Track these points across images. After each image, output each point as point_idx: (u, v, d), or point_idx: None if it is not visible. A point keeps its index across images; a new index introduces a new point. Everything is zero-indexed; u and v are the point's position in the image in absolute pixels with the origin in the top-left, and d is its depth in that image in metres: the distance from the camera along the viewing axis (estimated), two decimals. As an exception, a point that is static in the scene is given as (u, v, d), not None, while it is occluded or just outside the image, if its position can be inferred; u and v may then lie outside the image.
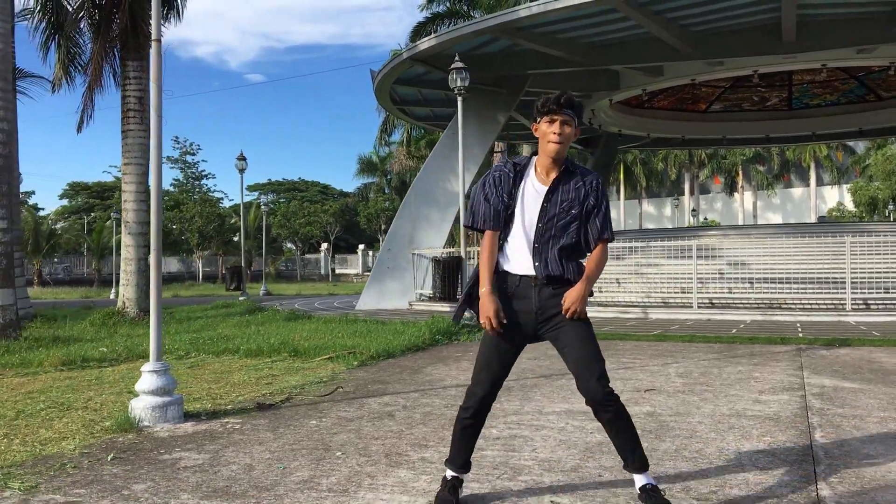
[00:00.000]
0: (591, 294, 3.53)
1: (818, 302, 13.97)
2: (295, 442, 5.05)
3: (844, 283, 13.60)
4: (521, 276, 3.44)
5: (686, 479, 4.12)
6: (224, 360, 9.02)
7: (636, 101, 23.44)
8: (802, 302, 13.72)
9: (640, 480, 3.51)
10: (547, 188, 3.45)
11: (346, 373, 8.00)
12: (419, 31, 32.10)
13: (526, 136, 28.00)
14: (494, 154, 31.62)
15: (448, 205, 18.11)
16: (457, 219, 17.19)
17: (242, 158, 25.36)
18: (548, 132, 3.40)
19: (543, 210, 3.43)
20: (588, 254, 3.54)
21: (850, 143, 55.70)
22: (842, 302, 13.57)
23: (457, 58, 12.77)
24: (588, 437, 5.03)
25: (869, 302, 13.75)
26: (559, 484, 4.04)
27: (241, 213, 28.42)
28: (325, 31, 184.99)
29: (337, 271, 66.72)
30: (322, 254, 67.58)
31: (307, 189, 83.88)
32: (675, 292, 15.35)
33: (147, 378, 5.59)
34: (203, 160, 70.04)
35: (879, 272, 13.93)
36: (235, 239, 56.70)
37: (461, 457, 3.69)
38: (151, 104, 5.64)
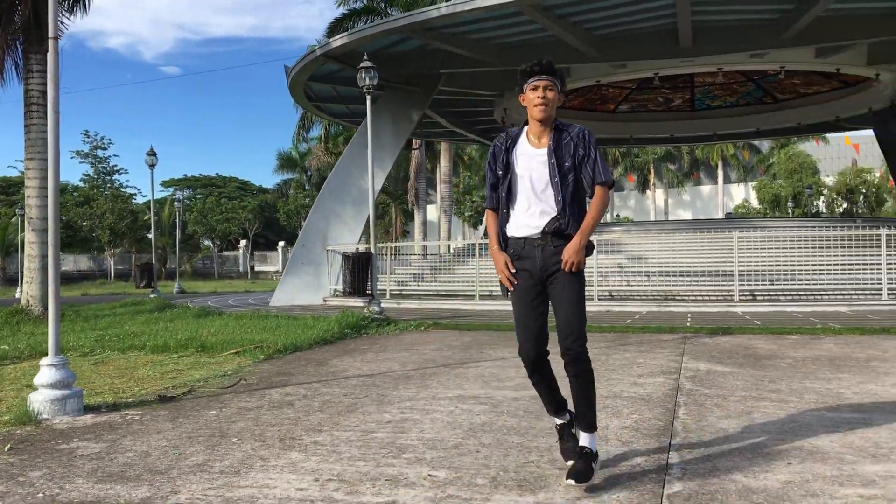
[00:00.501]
0: (593, 247, 3.79)
1: (709, 294, 14.80)
2: (193, 430, 5.24)
3: (733, 275, 14.47)
4: (524, 239, 3.71)
5: (555, 451, 4.50)
6: (129, 357, 9.05)
7: (547, 101, 24.03)
8: (695, 294, 14.50)
9: (582, 440, 3.80)
10: (546, 150, 3.70)
11: (252, 366, 8.17)
12: (336, 28, 32.07)
13: (442, 133, 28.37)
14: (412, 150, 31.96)
15: (362, 201, 18.32)
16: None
17: (153, 153, 24.97)
18: (533, 98, 3.68)
19: (553, 169, 3.67)
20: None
21: (756, 143, 58.22)
22: (730, 293, 14.42)
23: (365, 57, 13.00)
24: (473, 419, 5.38)
25: (755, 293, 14.65)
26: (439, 459, 4.38)
27: (152, 209, 27.94)
28: (243, 23, 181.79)
29: (256, 269, 65.85)
30: (241, 251, 66.59)
31: (225, 185, 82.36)
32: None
33: (45, 372, 5.68)
34: (115, 155, 67.90)
35: (765, 265, 14.86)
36: (149, 236, 55.41)
37: (552, 407, 3.97)
38: (49, 102, 5.72)
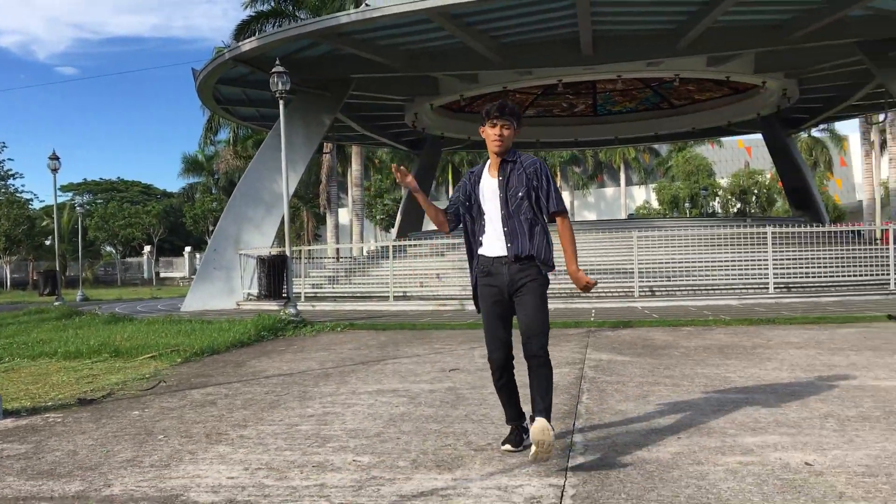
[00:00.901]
0: (590, 283, 4.24)
1: (612, 290, 15.54)
2: (118, 430, 5.36)
3: (633, 273, 15.25)
4: (494, 258, 4.16)
5: (469, 435, 4.86)
6: (41, 364, 8.94)
7: (457, 106, 24.57)
8: (599, 290, 15.19)
9: (538, 419, 4.07)
10: (497, 182, 4.18)
11: (170, 369, 8.23)
12: (243, 29, 31.77)
13: (353, 136, 28.51)
14: (323, 154, 31.95)
15: (274, 205, 18.33)
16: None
17: (55, 157, 24.17)
18: (490, 134, 4.17)
19: (503, 200, 4.15)
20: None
21: (656, 146, 60.50)
22: (631, 290, 15.18)
23: (278, 62, 13.10)
24: (393, 410, 5.68)
25: (654, 289, 15.47)
26: (362, 446, 4.67)
27: (55, 215, 27.03)
28: (144, 22, 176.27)
29: (162, 275, 64.12)
30: (145, 257, 64.73)
31: (127, 189, 79.97)
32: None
33: (-36, 377, 5.67)
34: (9, 159, 65.17)
35: (663, 263, 15.71)
36: (48, 243, 53.25)
37: (512, 411, 4.43)
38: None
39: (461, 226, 4.41)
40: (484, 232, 4.23)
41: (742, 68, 20.19)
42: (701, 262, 16.06)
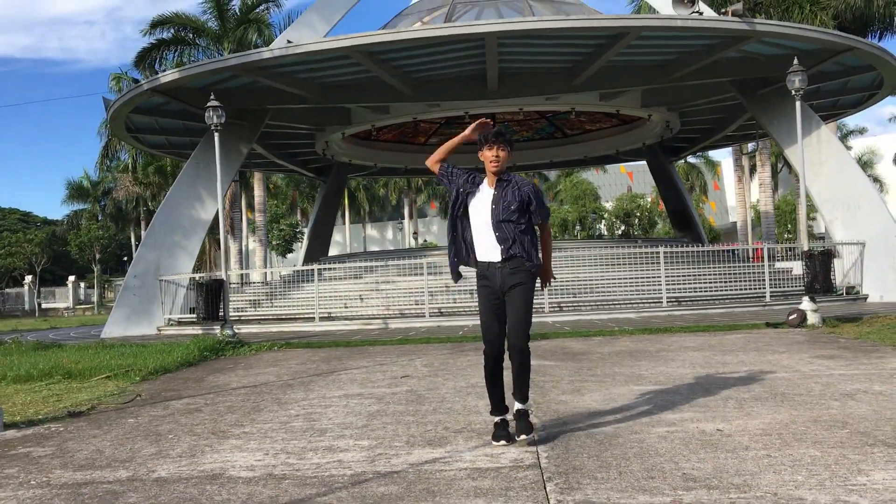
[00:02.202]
0: (553, 278, 5.24)
1: (524, 307, 16.73)
2: (125, 434, 5.99)
3: (543, 290, 16.52)
4: (489, 263, 4.87)
5: (444, 423, 5.80)
6: (-5, 387, 9.15)
7: (365, 134, 25.49)
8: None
9: (517, 405, 4.96)
10: (492, 195, 4.88)
11: (133, 387, 8.72)
12: (144, 57, 31.82)
13: (262, 163, 28.87)
14: (231, 182, 32.15)
15: (193, 232, 18.68)
16: (214, 244, 17.84)
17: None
18: (489, 156, 4.88)
19: (493, 212, 4.85)
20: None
21: (545, 172, 63.11)
22: (541, 306, 16.44)
23: (212, 96, 13.72)
24: (368, 408, 6.55)
25: (562, 305, 16.81)
26: (356, 434, 5.53)
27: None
28: (14, 42, 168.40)
29: (44, 306, 61.51)
30: (26, 287, 61.94)
31: (4, 217, 76.44)
32: (411, 304, 17.46)
33: (-26, 392, 6.16)
34: None
35: (568, 281, 17.12)
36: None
37: (498, 400, 5.02)
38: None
39: (452, 230, 5.07)
40: (475, 240, 4.94)
41: (630, 103, 22.06)
42: (602, 279, 17.57)
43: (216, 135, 13.58)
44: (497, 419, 5.05)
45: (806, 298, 12.66)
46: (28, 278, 62.31)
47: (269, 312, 18.46)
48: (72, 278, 63.73)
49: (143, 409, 7.08)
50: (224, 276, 13.59)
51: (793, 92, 12.90)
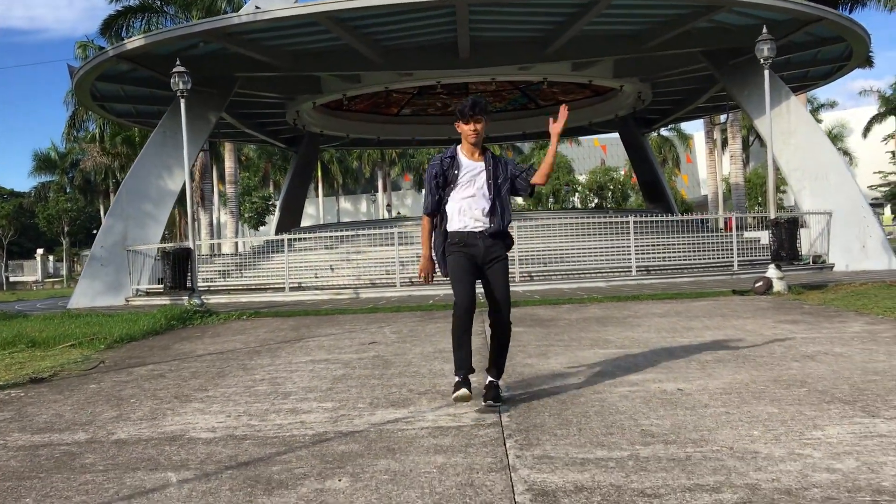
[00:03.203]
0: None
1: (495, 276, 16.78)
2: (87, 398, 5.93)
3: (513, 259, 16.57)
4: (469, 232, 4.81)
5: (409, 385, 5.80)
6: (-42, 356, 9.05)
7: (336, 104, 25.23)
8: (483, 276, 16.40)
9: (490, 379, 4.93)
10: (483, 165, 4.85)
11: (98, 354, 8.63)
12: (110, 24, 31.08)
13: (231, 134, 28.52)
14: (200, 151, 31.72)
15: (161, 201, 18.44)
16: (184, 215, 17.62)
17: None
18: (466, 130, 4.81)
19: (489, 185, 4.82)
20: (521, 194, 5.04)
21: (518, 144, 63.03)
22: (512, 275, 16.47)
23: (178, 62, 13.45)
24: (334, 373, 6.53)
25: (532, 274, 16.87)
26: (320, 397, 5.52)
27: None
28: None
29: (11, 279, 60.76)
30: (-8, 260, 61.07)
31: (-31, 190, 75.05)
32: (382, 275, 17.43)
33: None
34: None
35: (539, 251, 17.18)
36: None
37: (466, 359, 4.82)
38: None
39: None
40: (456, 209, 4.86)
41: (603, 73, 22.03)
42: (572, 249, 17.63)
43: (182, 101, 13.34)
44: (460, 378, 4.89)
45: (772, 266, 12.79)
46: (-5, 252, 61.41)
47: (239, 282, 18.34)
48: (40, 251, 62.90)
49: (107, 376, 7.01)
50: (192, 245, 13.44)
51: (761, 60, 12.93)
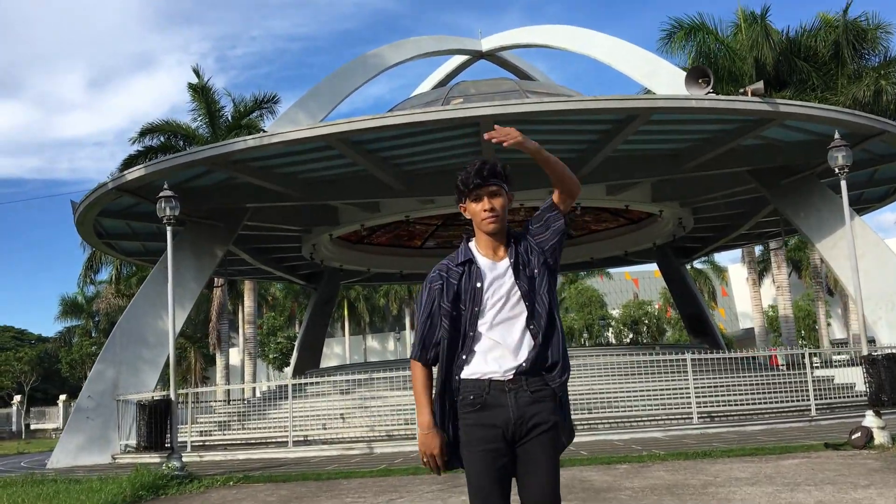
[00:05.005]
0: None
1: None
2: None
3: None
4: (490, 381, 2.93)
5: None
6: None
7: (356, 237, 23.91)
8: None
9: None
10: (510, 265, 3.00)
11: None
12: (129, 164, 30.59)
13: (246, 270, 27.24)
14: (214, 290, 30.38)
15: (158, 344, 16.67)
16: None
17: None
18: (478, 211, 3.02)
19: (526, 293, 2.97)
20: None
21: (549, 278, 61.56)
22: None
23: (165, 186, 12.06)
24: None
25: (575, 423, 14.63)
26: None
27: None
28: (24, 164, 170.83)
29: (33, 426, 58.95)
30: (14, 407, 59.48)
31: (-2, 336, 74.56)
32: (400, 424, 15.22)
33: None
34: None
35: (580, 395, 14.97)
36: None
37: None
38: None
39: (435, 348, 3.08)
40: (476, 344, 2.97)
41: (640, 197, 20.46)
42: (621, 392, 15.41)
43: (169, 230, 11.82)
44: None
45: (870, 413, 10.57)
46: (17, 398, 59.91)
47: (239, 436, 16.22)
48: (62, 397, 61.24)
49: None
50: (172, 396, 11.51)
51: (836, 170, 11.21)
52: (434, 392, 3.02)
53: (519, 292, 2.97)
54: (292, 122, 19.71)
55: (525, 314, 2.97)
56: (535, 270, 3.01)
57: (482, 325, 2.96)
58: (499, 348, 2.94)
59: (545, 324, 2.97)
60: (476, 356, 2.95)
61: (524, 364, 2.91)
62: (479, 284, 2.99)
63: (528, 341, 2.96)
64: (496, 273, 3.01)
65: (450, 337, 2.99)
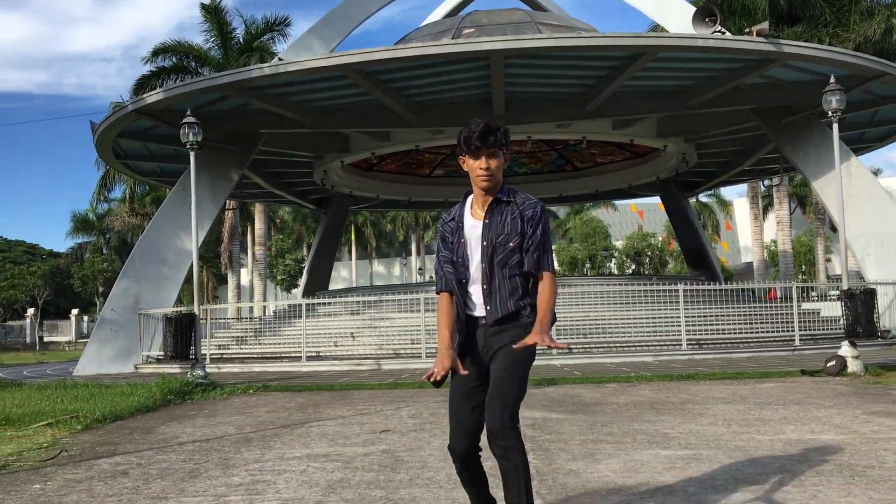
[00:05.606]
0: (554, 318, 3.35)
1: (530, 348, 15.38)
2: (17, 507, 4.73)
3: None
4: (476, 318, 3.35)
5: (419, 501, 4.50)
6: (-83, 434, 7.98)
7: (366, 164, 24.41)
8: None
9: None
10: (481, 224, 3.32)
11: (70, 437, 7.48)
12: (143, 85, 30.80)
13: (259, 194, 27.86)
14: (226, 212, 31.05)
15: (178, 263, 17.50)
16: (188, 276, 16.66)
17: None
18: (474, 167, 3.28)
19: (484, 249, 3.29)
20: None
21: (554, 209, 61.98)
22: (549, 348, 15.10)
23: (189, 112, 12.60)
24: (329, 476, 5.25)
25: (571, 347, 15.45)
26: (304, 517, 4.24)
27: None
28: (32, 79, 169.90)
29: (46, 339, 60.45)
30: (28, 320, 60.93)
31: (10, 249, 75.67)
32: (406, 344, 16.12)
33: None
34: None
35: (578, 321, 15.78)
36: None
37: (479, 494, 3.50)
38: None
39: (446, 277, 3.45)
40: (468, 288, 3.39)
41: (645, 132, 20.89)
42: (615, 319, 16.21)
43: (192, 155, 12.41)
44: None
45: (846, 343, 11.31)
46: (30, 311, 61.35)
47: (255, 350, 17.15)
48: (75, 312, 62.66)
49: (61, 470, 5.81)
50: (196, 311, 12.33)
51: (829, 113, 11.68)
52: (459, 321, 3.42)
53: (479, 256, 3.34)
54: (307, 48, 20.00)
55: (482, 273, 3.34)
56: (510, 243, 3.30)
57: (470, 274, 3.38)
58: (477, 296, 3.37)
59: (505, 285, 3.31)
60: (467, 299, 3.39)
61: (484, 320, 3.34)
62: (462, 240, 3.38)
63: (488, 295, 3.33)
64: (475, 233, 3.36)
65: (455, 279, 3.39)
